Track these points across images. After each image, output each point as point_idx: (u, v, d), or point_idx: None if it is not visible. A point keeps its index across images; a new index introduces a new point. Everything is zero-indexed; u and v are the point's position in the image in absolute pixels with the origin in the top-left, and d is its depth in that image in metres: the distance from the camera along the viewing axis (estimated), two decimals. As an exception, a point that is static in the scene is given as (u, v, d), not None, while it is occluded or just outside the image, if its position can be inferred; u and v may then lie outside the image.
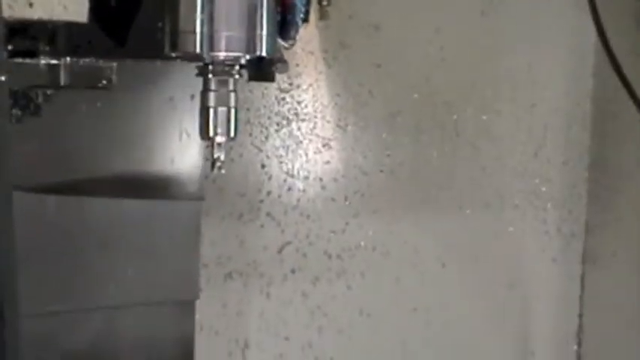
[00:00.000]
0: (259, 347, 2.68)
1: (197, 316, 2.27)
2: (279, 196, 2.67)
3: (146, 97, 2.10)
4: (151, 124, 2.13)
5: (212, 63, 1.81)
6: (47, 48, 1.81)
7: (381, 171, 2.82)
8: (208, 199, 2.31)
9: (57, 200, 2.01)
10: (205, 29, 1.74)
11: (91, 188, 2.05)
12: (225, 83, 1.83)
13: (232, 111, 1.85)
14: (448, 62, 2.91)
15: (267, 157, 2.65)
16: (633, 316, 3.11)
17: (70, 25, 1.75)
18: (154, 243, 2.15)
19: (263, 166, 2.65)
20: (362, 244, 2.81)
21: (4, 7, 1.47)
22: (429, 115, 2.91)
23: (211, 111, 1.84)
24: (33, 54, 1.79)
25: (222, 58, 1.80)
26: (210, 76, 1.83)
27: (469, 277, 3.03)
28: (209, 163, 1.92)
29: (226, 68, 1.82)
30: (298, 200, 2.69)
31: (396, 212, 2.85)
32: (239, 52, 1.79)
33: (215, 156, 1.89)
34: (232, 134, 1.86)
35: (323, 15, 1.97)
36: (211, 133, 1.85)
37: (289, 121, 2.66)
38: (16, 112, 1.86)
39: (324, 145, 2.73)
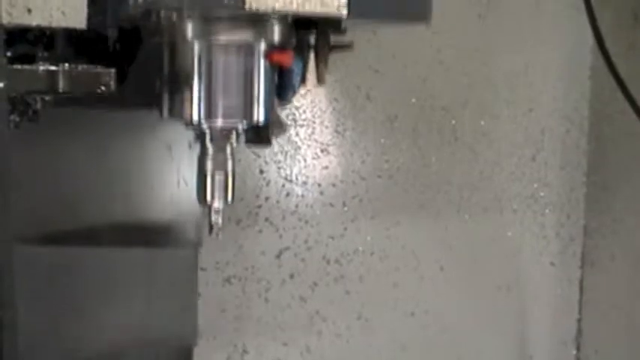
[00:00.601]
0: (258, 351, 2.69)
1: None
2: (278, 202, 2.67)
3: (144, 145, 2.11)
4: (149, 173, 2.14)
5: (210, 130, 1.82)
6: (45, 54, 1.81)
7: (379, 176, 2.82)
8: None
9: (56, 251, 2.03)
10: (203, 97, 1.74)
11: (89, 237, 2.06)
12: (222, 149, 1.83)
13: (230, 177, 1.84)
14: (445, 65, 2.91)
15: (266, 162, 2.66)
16: (632, 320, 3.11)
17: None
18: (152, 291, 2.17)
19: (261, 172, 2.66)
20: (360, 248, 2.81)
21: (3, 13, 1.47)
22: (427, 120, 2.91)
23: (209, 177, 1.83)
24: (31, 60, 1.79)
25: (219, 125, 1.80)
26: (207, 142, 1.83)
27: (467, 280, 3.03)
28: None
29: (224, 134, 1.82)
30: (297, 205, 2.70)
31: (394, 217, 2.85)
32: (236, 119, 1.78)
33: (213, 222, 1.89)
34: (230, 200, 1.86)
35: (320, 78, 1.97)
36: (209, 199, 1.85)
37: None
38: (14, 117, 1.85)
39: (322, 151, 2.74)
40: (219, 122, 1.77)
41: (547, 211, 3.13)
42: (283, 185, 2.67)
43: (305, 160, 2.70)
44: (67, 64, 1.79)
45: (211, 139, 1.81)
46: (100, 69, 1.82)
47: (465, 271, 3.02)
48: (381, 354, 2.90)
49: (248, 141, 1.99)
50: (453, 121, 2.94)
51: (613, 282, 3.21)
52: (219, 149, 1.82)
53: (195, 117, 1.75)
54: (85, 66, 1.82)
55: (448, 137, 2.94)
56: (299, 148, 2.68)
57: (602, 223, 3.20)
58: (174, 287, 2.19)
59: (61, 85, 1.81)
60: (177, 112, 1.77)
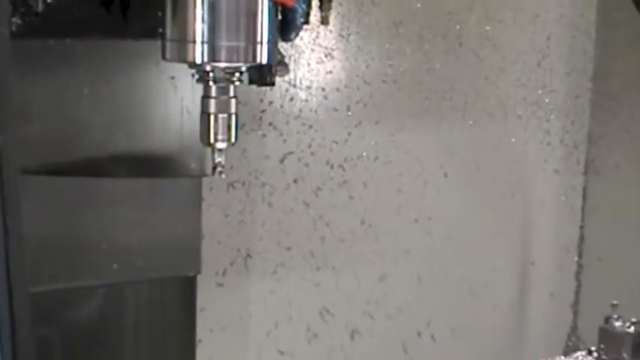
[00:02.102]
0: (261, 256, 2.70)
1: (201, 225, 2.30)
2: (282, 106, 2.66)
3: (147, 75, 2.10)
4: (152, 102, 2.13)
5: (213, 71, 1.80)
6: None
7: (384, 81, 2.81)
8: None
9: (61, 181, 2.03)
10: (206, 39, 1.73)
11: (94, 168, 2.06)
12: (225, 90, 1.82)
13: (233, 117, 1.84)
14: (452, -29, 2.88)
15: (270, 66, 2.64)
16: (634, 228, 3.12)
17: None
18: (156, 220, 2.18)
19: (265, 76, 2.64)
20: (364, 154, 2.80)
21: None
22: (432, 25, 2.88)
23: (212, 117, 1.82)
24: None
25: (222, 67, 1.79)
26: (210, 83, 1.82)
27: (471, 187, 3.03)
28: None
29: (227, 75, 1.80)
30: (300, 110, 2.68)
31: (398, 122, 2.85)
32: (240, 61, 1.77)
33: (216, 161, 1.88)
34: (233, 140, 1.86)
35: (324, 20, 1.95)
36: (212, 140, 1.84)
37: (291, 30, 2.64)
38: (15, 20, 1.84)
39: (326, 55, 2.71)
40: (223, 63, 1.76)
41: (552, 117, 3.13)
42: (287, 90, 2.65)
43: (309, 65, 2.68)
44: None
45: (214, 80, 1.81)
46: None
47: (469, 177, 3.03)
48: (384, 259, 2.91)
49: (251, 81, 1.98)
50: (458, 26, 2.91)
51: (616, 190, 3.22)
52: (223, 90, 1.82)
53: (198, 59, 1.74)
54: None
55: (453, 42, 2.92)
56: (303, 52, 2.66)
57: (607, 130, 3.20)
58: (178, 217, 2.21)
59: (63, -17, 1.80)
60: (180, 53, 1.77)
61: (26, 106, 1.94)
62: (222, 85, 1.81)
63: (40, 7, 1.86)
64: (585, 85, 3.18)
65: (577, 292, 3.36)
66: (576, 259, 3.34)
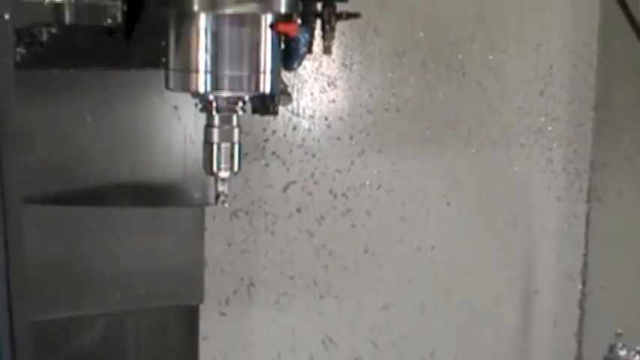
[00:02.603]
0: (264, 285, 2.70)
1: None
2: (285, 135, 2.66)
3: (151, 104, 2.11)
4: (155, 131, 2.14)
5: (216, 100, 1.81)
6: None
7: (387, 110, 2.82)
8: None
9: (64, 210, 2.03)
10: (209, 68, 1.74)
11: (96, 196, 2.07)
12: (228, 119, 1.83)
13: (236, 146, 1.85)
14: (454, 0, 2.89)
15: (273, 95, 2.65)
16: (638, 255, 3.12)
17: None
18: (159, 249, 2.19)
19: (268, 105, 2.65)
20: (367, 182, 2.81)
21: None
22: (435, 54, 2.89)
23: (215, 147, 1.84)
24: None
25: (226, 96, 1.80)
26: (213, 112, 1.83)
27: (474, 215, 3.04)
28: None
29: (230, 105, 1.82)
30: (303, 139, 2.69)
31: (401, 151, 2.85)
32: (243, 91, 1.79)
33: (219, 190, 1.89)
34: (236, 169, 1.87)
35: (326, 49, 1.97)
36: (215, 169, 1.85)
37: (294, 60, 2.65)
38: (20, 50, 1.85)
39: (329, 84, 2.73)
40: (226, 93, 1.77)
41: (554, 145, 3.13)
42: (290, 119, 2.66)
43: (312, 94, 2.69)
44: (72, -3, 1.78)
45: (217, 110, 1.82)
46: (106, 1, 1.81)
47: (472, 205, 3.03)
48: (387, 288, 2.91)
49: (254, 110, 1.99)
50: (461, 56, 2.92)
51: (619, 217, 3.22)
52: (226, 119, 1.83)
53: (201, 88, 1.75)
54: (91, -2, 1.81)
55: (456, 72, 2.93)
56: (306, 81, 2.67)
57: (609, 158, 3.20)
58: (181, 246, 2.21)
59: (67, 17, 1.81)
60: (184, 83, 1.78)
61: (29, 135, 1.95)
62: (225, 114, 1.82)
63: (45, 37, 1.87)
64: (587, 114, 3.19)
65: (581, 321, 3.35)
66: (580, 287, 3.33)
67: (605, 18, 3.11)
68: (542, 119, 3.09)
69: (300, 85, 2.67)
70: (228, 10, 1.72)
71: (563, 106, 3.13)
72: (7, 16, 1.24)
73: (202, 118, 1.86)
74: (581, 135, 3.18)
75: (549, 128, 3.12)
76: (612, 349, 2.28)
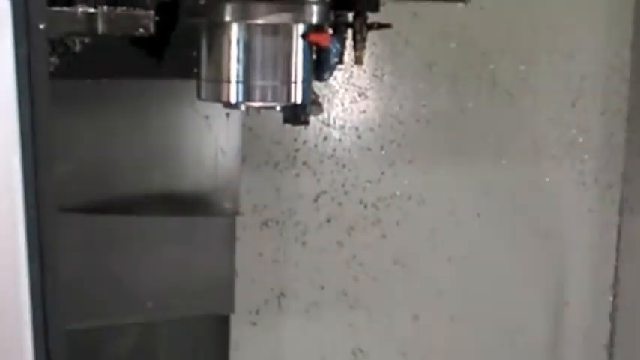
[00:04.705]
0: (295, 295, 2.70)
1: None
2: (315, 146, 2.67)
3: (182, 115, 2.12)
4: (187, 142, 2.15)
5: (247, 110, 1.84)
6: (85, -3, 1.81)
7: (417, 120, 2.81)
8: (244, 146, 2.32)
9: (96, 219, 2.04)
10: (241, 78, 1.74)
11: (129, 206, 2.08)
12: None
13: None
14: (486, 11, 2.87)
15: (304, 106, 2.65)
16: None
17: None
18: (190, 259, 2.19)
19: (299, 115, 2.65)
20: (397, 193, 2.81)
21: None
22: (466, 65, 2.89)
23: None
24: (71, 2, 1.79)
25: (257, 106, 1.81)
26: None
27: (504, 227, 3.02)
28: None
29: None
30: (334, 150, 2.70)
31: (431, 162, 2.85)
32: (274, 101, 1.79)
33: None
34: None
35: (358, 60, 1.97)
36: None
37: (325, 70, 2.65)
38: (54, 60, 1.86)
39: (360, 95, 2.73)
40: (257, 103, 1.78)
41: (586, 157, 3.11)
42: (321, 129, 2.66)
43: (343, 104, 2.69)
44: (105, 7, 1.78)
45: None
46: (138, 11, 1.81)
47: (502, 217, 3.02)
48: (417, 299, 2.91)
49: (286, 121, 1.99)
50: (492, 66, 2.91)
51: (651, 229, 3.20)
52: None
53: (233, 98, 1.76)
54: (123, 8, 1.81)
55: (487, 83, 2.92)
56: (337, 92, 2.68)
57: (642, 170, 3.18)
58: (212, 256, 2.21)
59: (100, 27, 1.81)
60: (215, 93, 1.79)
61: (62, 145, 1.96)
62: None
63: (78, 47, 1.88)
64: (619, 125, 3.17)
65: (611, 333, 3.33)
66: (611, 299, 3.31)
67: (638, 28, 3.10)
68: (574, 130, 3.08)
69: (331, 95, 2.68)
70: (260, 21, 1.72)
71: (595, 117, 3.11)
72: (41, 26, 1.24)
73: (234, 129, 1.87)
74: (613, 146, 3.16)
75: (580, 140, 3.10)
76: (643, 362, 2.26)
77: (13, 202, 1.20)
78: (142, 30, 1.82)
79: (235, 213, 2.20)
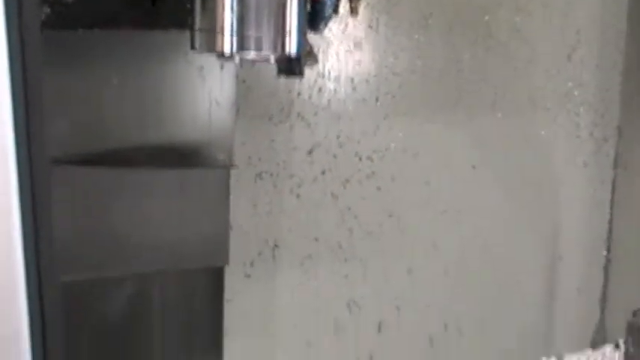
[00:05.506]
0: (289, 248, 2.70)
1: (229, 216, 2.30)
2: (310, 97, 2.65)
3: (176, 67, 2.10)
4: (181, 94, 2.13)
5: (241, 62, 1.82)
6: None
7: (413, 72, 2.79)
8: (239, 99, 2.30)
9: (90, 172, 2.03)
10: (235, 29, 1.73)
11: (122, 158, 2.06)
12: None
13: None
14: (482, -38, 2.86)
15: (298, 57, 2.63)
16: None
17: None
18: (185, 211, 2.18)
19: (294, 67, 2.63)
20: (392, 145, 2.79)
21: None
22: (462, 17, 2.86)
23: None
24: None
25: (251, 58, 1.79)
26: None
27: (500, 180, 3.02)
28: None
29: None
30: (329, 101, 2.68)
31: (427, 114, 2.83)
32: (268, 52, 1.78)
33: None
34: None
35: (353, 11, 1.95)
36: None
37: (320, 21, 2.63)
38: (45, 10, 1.84)
39: (355, 46, 2.70)
40: (252, 54, 1.76)
41: (581, 110, 3.11)
42: (316, 81, 2.64)
43: (338, 56, 2.67)
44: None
45: None
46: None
47: (497, 170, 3.01)
48: (412, 252, 2.91)
49: (280, 72, 1.98)
50: (487, 17, 2.89)
51: (645, 184, 3.20)
52: None
53: (227, 49, 1.74)
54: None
55: (482, 35, 2.90)
56: (332, 43, 2.65)
57: (637, 124, 3.18)
58: (206, 208, 2.21)
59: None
60: (209, 44, 1.77)
61: (55, 97, 1.94)
62: None
63: (70, -1, 1.87)
64: (615, 79, 3.16)
65: (605, 287, 3.34)
66: (604, 253, 3.31)
67: (635, -19, 3.08)
68: (570, 83, 3.07)
69: (325, 46, 2.65)
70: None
71: (591, 70, 3.10)
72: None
73: (227, 80, 1.85)
74: (609, 100, 3.16)
75: (576, 93, 3.09)
76: (635, 314, 2.27)
77: (5, 155, 1.19)
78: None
79: (229, 165, 2.19)
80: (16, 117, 1.19)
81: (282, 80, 2.53)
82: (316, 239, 2.73)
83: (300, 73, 2.01)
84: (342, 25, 2.66)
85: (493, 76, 2.93)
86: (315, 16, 1.88)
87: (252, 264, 2.64)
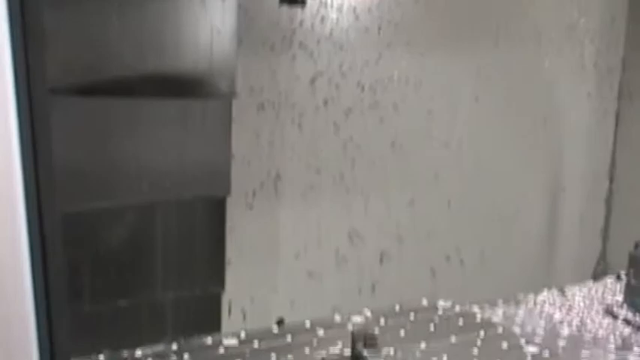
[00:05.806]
0: (290, 178, 2.69)
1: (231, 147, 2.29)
2: (312, 26, 2.62)
3: None
4: (182, 23, 2.10)
5: None
6: None
7: (416, 1, 2.76)
8: (241, 29, 2.28)
9: (90, 102, 2.01)
10: None
11: (123, 88, 2.04)
12: None
13: None
14: None
15: (301, -15, 2.60)
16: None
17: None
18: (187, 142, 2.16)
19: (296, -5, 2.61)
20: (395, 75, 2.77)
21: None
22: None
23: None
24: None
25: None
26: None
27: (502, 111, 3.00)
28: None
29: None
30: (331, 30, 2.65)
31: (429, 44, 2.81)
32: None
33: None
34: None
35: None
36: None
37: (323, -51, 2.60)
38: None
39: (358, -25, 2.68)
40: None
41: (586, 41, 3.08)
42: (318, 10, 2.61)
43: (341, -16, 2.65)
44: None
45: None
46: None
47: (501, 101, 3.00)
48: (414, 182, 2.90)
49: (282, 1, 1.95)
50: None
51: (649, 115, 3.19)
52: None
53: None
54: None
55: (487, -37, 2.88)
56: (334, -29, 2.63)
57: (642, 55, 3.16)
58: (208, 138, 2.19)
59: None
60: None
61: (55, 27, 1.92)
62: None
63: None
64: (621, 10, 3.12)
65: (607, 218, 3.34)
66: (607, 184, 3.31)
67: None
68: (575, 14, 3.04)
69: (328, -25, 2.63)
70: None
71: (596, 0, 3.07)
72: None
73: (229, 9, 1.82)
74: (614, 31, 3.13)
75: (581, 23, 3.06)
76: (637, 245, 2.26)
77: (3, 83, 1.18)
78: None
79: (232, 95, 2.18)
80: (14, 45, 1.18)
81: (285, 9, 2.50)
82: (318, 170, 2.72)
83: (303, 2, 1.98)
84: (345, -46, 2.63)
85: (497, 6, 2.90)
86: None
87: (254, 195, 2.63)
